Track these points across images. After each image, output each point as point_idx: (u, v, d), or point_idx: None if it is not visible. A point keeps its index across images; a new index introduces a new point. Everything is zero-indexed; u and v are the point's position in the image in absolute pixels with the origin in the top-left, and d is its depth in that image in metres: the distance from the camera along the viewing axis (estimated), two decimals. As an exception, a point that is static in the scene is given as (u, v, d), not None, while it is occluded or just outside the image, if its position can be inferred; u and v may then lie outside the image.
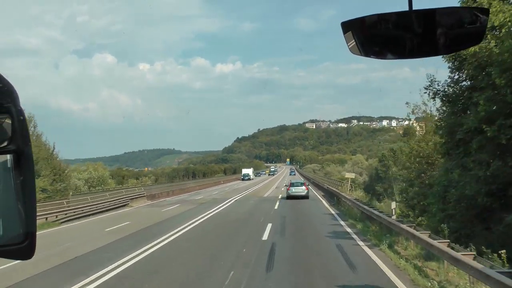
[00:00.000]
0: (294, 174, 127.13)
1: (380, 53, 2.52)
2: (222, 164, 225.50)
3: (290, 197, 38.72)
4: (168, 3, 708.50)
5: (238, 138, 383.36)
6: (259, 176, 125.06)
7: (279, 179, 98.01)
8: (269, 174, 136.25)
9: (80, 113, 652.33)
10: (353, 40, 2.46)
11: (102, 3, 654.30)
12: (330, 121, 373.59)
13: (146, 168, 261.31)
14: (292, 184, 41.03)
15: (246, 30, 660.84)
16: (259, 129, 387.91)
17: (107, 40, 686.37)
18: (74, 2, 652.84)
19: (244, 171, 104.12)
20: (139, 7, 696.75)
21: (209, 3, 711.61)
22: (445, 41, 2.41)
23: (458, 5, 5.17)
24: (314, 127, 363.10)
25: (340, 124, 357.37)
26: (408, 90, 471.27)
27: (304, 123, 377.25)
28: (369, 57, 2.50)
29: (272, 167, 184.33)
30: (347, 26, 2.50)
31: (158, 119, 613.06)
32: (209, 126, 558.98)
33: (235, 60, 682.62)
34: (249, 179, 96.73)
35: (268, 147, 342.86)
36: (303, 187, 40.22)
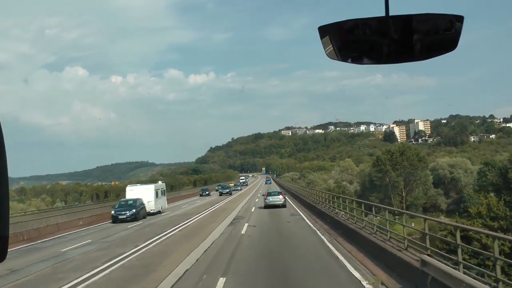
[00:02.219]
0: (270, 183, 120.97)
1: (357, 58, 2.56)
2: (192, 176, 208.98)
3: (267, 206, 38.07)
4: (140, 15, 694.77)
5: (211, 147, 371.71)
6: (226, 192, 72.79)
7: (250, 193, 73.67)
8: (233, 189, 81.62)
9: (52, 128, 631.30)
10: (331, 45, 2.50)
11: (72, 16, 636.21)
12: (306, 127, 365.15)
13: (113, 182, 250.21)
14: (269, 194, 40.44)
15: (218, 41, 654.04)
16: (233, 138, 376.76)
17: (78, 53, 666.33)
18: (42, 15, 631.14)
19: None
20: (111, 19, 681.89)
21: (181, 15, 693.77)
22: (421, 47, 2.48)
23: (434, 11, 2.63)
24: (290, 134, 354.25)
25: (317, 130, 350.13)
26: (382, 96, 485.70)
27: (280, 130, 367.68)
28: (346, 62, 2.56)
29: (242, 177, 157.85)
30: (324, 31, 2.52)
31: (132, 132, 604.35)
32: (183, 138, 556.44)
33: (209, 71, 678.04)
34: (207, 194, 74.44)
35: (243, 156, 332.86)
36: (280, 196, 39.72)
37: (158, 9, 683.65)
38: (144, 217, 35.30)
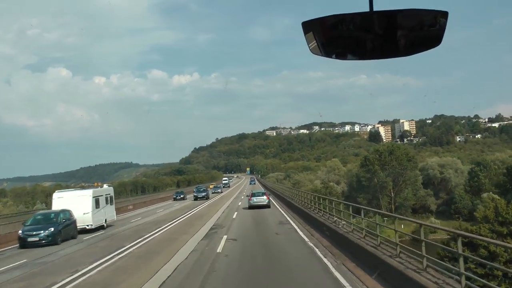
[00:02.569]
0: (255, 184, 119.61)
1: (341, 54, 2.54)
2: (175, 176, 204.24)
3: (252, 207, 38.40)
4: (123, 16, 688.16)
5: (195, 148, 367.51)
6: (202, 196, 61.98)
7: (233, 195, 68.14)
8: (212, 192, 72.48)
9: (36, 129, 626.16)
10: (314, 41, 2.48)
11: (54, 16, 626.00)
12: (291, 128, 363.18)
13: (95, 183, 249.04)
14: (253, 194, 40.70)
15: (202, 41, 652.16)
16: (217, 138, 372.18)
17: (61, 53, 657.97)
18: (23, 15, 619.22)
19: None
20: (94, 20, 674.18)
21: (165, 15, 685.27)
22: (405, 42, 2.48)
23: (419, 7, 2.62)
24: (274, 134, 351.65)
25: (302, 131, 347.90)
26: (366, 96, 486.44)
27: (264, 130, 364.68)
28: (330, 57, 2.53)
29: (224, 178, 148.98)
30: (308, 27, 2.50)
31: (116, 133, 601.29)
32: (168, 138, 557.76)
33: (193, 71, 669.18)
34: (182, 198, 65.45)
35: (227, 156, 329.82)
36: (264, 197, 40.16)
37: (141, 10, 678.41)
38: (73, 237, 25.46)
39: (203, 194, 61.31)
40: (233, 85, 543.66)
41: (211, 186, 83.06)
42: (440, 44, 2.57)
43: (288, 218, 29.00)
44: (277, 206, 40.34)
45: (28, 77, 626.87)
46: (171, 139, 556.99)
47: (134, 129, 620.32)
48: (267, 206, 38.68)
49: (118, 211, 48.78)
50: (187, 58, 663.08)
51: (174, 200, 65.45)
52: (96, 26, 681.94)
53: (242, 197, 55.80)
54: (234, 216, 32.33)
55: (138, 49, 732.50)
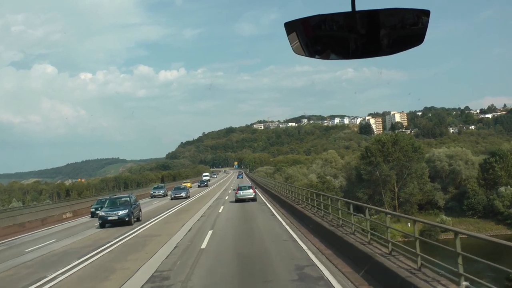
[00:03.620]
0: (242, 178, 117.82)
1: (324, 54, 2.53)
2: (160, 172, 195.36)
3: (238, 200, 38.83)
4: (108, 11, 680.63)
5: (182, 143, 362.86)
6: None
7: (215, 194, 54.31)
8: (173, 196, 51.66)
9: (21, 126, 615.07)
10: (297, 41, 2.49)
11: (38, 13, 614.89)
12: (279, 121, 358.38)
13: (79, 179, 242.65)
14: (240, 188, 41.01)
15: (188, 37, 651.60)
16: (204, 132, 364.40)
17: (46, 50, 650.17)
18: (7, 11, 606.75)
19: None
20: (79, 16, 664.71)
21: (150, 11, 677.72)
22: (388, 41, 2.48)
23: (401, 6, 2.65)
24: (262, 127, 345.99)
25: (290, 124, 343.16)
26: (354, 90, 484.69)
27: (252, 124, 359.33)
28: (313, 57, 2.53)
29: (205, 174, 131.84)
30: (290, 27, 2.51)
31: (103, 129, 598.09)
32: (155, 134, 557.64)
33: (179, 67, 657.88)
34: (163, 195, 57.71)
35: (214, 150, 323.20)
36: (251, 191, 40.46)
37: (127, 5, 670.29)
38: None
39: (184, 191, 51.70)
40: (220, 80, 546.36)
41: (188, 185, 69.96)
42: (424, 41, 2.54)
43: (288, 228, 20.62)
44: (271, 208, 31.74)
45: (13, 74, 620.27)
46: (158, 135, 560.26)
47: (121, 125, 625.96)
48: (253, 199, 39.19)
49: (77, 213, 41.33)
50: (174, 54, 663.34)
51: (151, 198, 57.00)
52: (81, 22, 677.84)
53: (226, 198, 46.41)
54: (208, 234, 20.30)
55: (125, 45, 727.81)
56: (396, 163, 72.06)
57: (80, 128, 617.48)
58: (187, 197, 50.01)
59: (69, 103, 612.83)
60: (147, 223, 26.73)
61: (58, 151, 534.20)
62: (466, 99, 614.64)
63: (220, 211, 32.02)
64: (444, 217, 62.23)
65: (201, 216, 29.03)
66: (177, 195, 50.05)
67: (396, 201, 72.58)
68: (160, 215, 31.37)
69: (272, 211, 29.36)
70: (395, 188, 73.03)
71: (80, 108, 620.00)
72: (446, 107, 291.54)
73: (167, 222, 27.02)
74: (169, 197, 52.44)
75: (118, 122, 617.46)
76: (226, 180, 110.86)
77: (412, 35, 2.47)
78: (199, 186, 78.60)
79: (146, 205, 42.22)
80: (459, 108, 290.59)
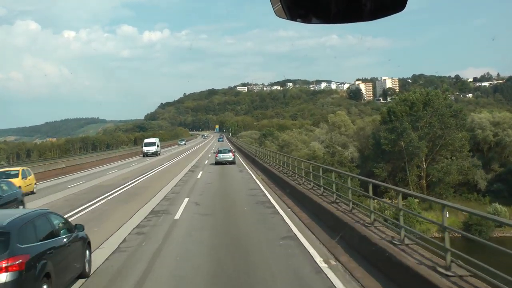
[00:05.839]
0: (222, 141, 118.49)
1: (305, 17, 2.48)
2: (132, 133, 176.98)
3: (218, 162, 39.67)
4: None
5: (162, 104, 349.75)
6: None
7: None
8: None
9: (2, 83, 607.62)
10: (279, 3, 2.41)
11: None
12: (263, 84, 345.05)
13: (49, 139, 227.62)
14: (219, 151, 42.08)
15: None
16: (185, 93, 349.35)
17: (29, 6, 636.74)
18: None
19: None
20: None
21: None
22: (370, 6, 2.39)
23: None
24: (246, 90, 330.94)
25: (275, 87, 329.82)
26: (338, 56, 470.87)
27: (235, 86, 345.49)
28: (295, 21, 2.47)
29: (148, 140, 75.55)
30: None
31: (84, 88, 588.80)
32: (136, 95, 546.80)
33: (163, 28, 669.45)
34: None
35: (195, 113, 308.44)
36: (230, 154, 41.51)
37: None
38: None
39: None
40: (204, 43, 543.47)
41: None
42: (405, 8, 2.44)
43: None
44: (280, 209, 15.42)
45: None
46: (140, 96, 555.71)
47: (103, 85, 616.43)
48: (232, 162, 40.09)
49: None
50: (158, 14, 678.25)
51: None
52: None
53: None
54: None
55: (109, 4, 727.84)
56: (428, 130, 55.37)
57: (62, 87, 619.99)
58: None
59: (51, 61, 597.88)
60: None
61: (38, 109, 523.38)
62: (451, 68, 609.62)
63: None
64: (498, 206, 46.32)
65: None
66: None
67: (425, 181, 56.33)
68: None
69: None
70: (423, 163, 56.58)
71: (62, 67, 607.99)
72: (436, 75, 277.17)
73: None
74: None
75: (100, 82, 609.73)
76: (199, 149, 79.01)
77: (393, 1, 2.35)
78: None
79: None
80: (449, 76, 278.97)
